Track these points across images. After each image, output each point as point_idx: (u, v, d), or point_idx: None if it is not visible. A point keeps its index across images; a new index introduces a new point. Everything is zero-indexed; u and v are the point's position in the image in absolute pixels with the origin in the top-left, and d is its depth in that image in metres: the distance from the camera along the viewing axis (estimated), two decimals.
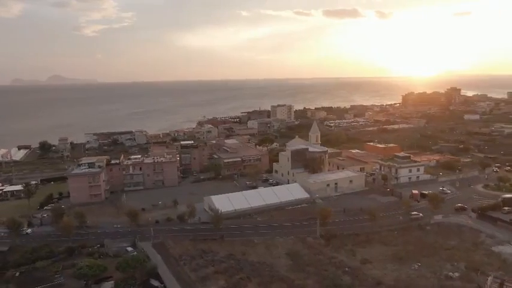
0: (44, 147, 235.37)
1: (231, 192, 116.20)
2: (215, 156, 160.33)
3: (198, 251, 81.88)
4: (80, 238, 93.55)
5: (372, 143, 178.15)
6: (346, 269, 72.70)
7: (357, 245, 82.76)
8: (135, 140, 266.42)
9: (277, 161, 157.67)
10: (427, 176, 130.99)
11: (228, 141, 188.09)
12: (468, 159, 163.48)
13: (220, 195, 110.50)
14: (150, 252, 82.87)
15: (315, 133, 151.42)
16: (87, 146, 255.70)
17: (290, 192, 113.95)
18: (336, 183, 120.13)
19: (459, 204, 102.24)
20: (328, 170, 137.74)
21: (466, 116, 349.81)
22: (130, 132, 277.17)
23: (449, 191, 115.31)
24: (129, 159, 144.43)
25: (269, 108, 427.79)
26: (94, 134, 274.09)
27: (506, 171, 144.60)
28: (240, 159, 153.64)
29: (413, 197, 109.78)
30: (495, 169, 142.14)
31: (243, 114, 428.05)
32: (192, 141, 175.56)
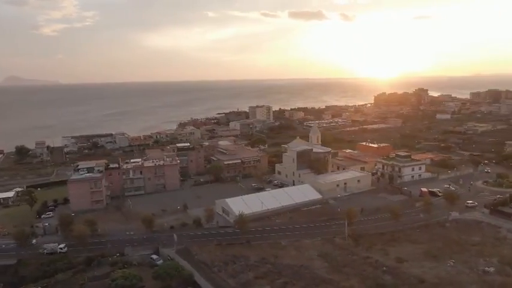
0: (21, 151, 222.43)
1: (238, 195, 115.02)
2: (214, 158, 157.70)
3: (229, 256, 79.87)
4: (95, 247, 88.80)
5: (364, 143, 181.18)
6: (384, 268, 73.18)
7: (386, 244, 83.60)
8: (115, 142, 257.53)
9: (274, 162, 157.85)
10: (428, 174, 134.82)
11: (221, 143, 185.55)
12: (458, 157, 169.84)
13: (234, 198, 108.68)
14: (176, 260, 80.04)
15: (315, 134, 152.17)
16: (65, 149, 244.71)
17: (302, 193, 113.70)
18: (345, 183, 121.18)
19: (499, 196, 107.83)
20: (331, 171, 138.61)
21: (438, 116, 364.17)
22: (110, 135, 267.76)
23: (454, 189, 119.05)
24: (127, 162, 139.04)
25: (245, 109, 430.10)
26: (72, 137, 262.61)
27: (485, 164, 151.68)
28: (240, 161, 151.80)
29: (422, 195, 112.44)
30: (487, 169, 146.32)
31: (220, 115, 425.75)
32: (189, 144, 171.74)
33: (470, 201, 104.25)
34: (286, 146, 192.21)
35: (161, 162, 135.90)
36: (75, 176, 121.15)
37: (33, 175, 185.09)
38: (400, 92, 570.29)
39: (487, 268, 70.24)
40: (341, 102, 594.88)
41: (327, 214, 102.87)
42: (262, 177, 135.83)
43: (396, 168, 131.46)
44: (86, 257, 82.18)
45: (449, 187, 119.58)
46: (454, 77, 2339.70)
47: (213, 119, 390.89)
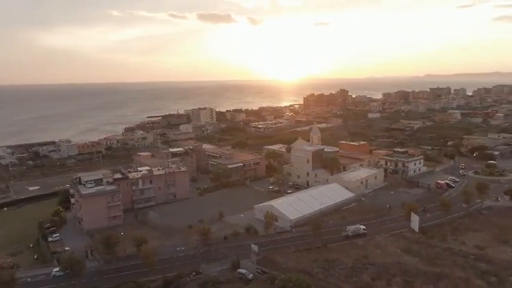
0: None
1: (260, 198, 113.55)
2: (213, 163, 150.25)
3: (320, 262, 77.15)
4: (155, 268, 78.47)
5: (344, 142, 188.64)
6: (472, 256, 77.54)
7: (453, 234, 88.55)
8: (60, 151, 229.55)
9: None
10: (425, 168, 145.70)
11: (206, 147, 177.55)
12: (430, 152, 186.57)
13: (277, 200, 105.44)
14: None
15: (316, 134, 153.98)
16: (2, 162, 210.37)
17: (336, 192, 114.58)
18: (366, 180, 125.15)
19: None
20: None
21: (370, 115, 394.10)
22: (53, 143, 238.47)
23: (458, 180, 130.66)
24: (130, 171, 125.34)
25: (180, 111, 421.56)
26: (7, 147, 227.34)
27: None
28: (242, 164, 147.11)
29: (441, 187, 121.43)
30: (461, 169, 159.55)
31: (157, 118, 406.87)
32: (182, 149, 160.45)
33: None
34: (267, 147, 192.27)
35: (171, 170, 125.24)
36: (84, 191, 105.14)
37: None
38: (301, 93, 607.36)
39: None
40: (265, 104, 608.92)
41: (372, 211, 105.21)
42: (284, 179, 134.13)
43: (400, 164, 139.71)
44: (164, 280, 72.48)
45: (455, 179, 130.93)
46: (351, 79, 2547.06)
47: (153, 123, 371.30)
